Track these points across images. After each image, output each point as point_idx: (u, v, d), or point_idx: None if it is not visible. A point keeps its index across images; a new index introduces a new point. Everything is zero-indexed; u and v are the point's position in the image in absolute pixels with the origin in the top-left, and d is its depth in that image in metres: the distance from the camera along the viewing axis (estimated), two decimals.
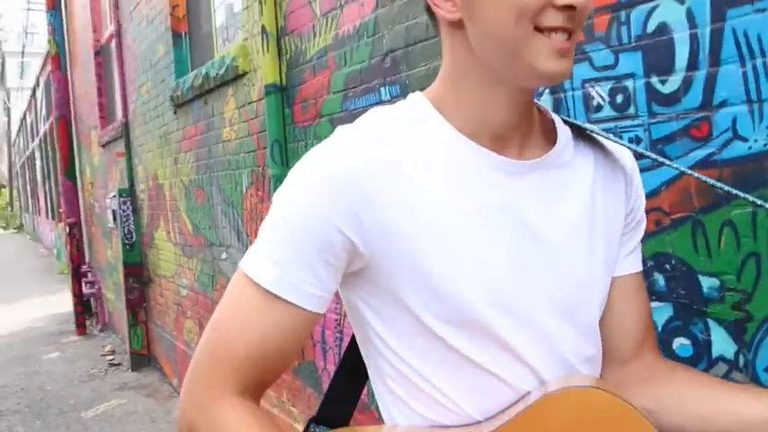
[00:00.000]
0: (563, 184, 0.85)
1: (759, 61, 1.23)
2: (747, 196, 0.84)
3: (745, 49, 1.25)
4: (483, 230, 0.80)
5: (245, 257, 0.80)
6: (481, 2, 0.77)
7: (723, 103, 1.29)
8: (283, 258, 0.77)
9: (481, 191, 0.80)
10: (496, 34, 0.77)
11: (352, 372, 0.92)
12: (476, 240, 0.79)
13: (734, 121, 1.27)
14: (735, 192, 0.85)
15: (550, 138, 0.87)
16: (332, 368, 2.76)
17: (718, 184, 0.87)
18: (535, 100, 0.88)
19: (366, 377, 0.90)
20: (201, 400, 0.79)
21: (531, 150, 0.85)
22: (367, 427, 1.02)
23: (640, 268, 0.95)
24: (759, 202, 0.83)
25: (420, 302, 0.79)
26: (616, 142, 0.91)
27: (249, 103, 3.30)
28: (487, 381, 0.80)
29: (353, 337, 0.90)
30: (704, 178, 0.88)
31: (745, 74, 1.25)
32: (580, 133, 0.91)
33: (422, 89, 0.86)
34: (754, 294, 1.27)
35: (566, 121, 0.91)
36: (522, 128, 0.84)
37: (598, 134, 0.91)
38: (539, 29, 0.75)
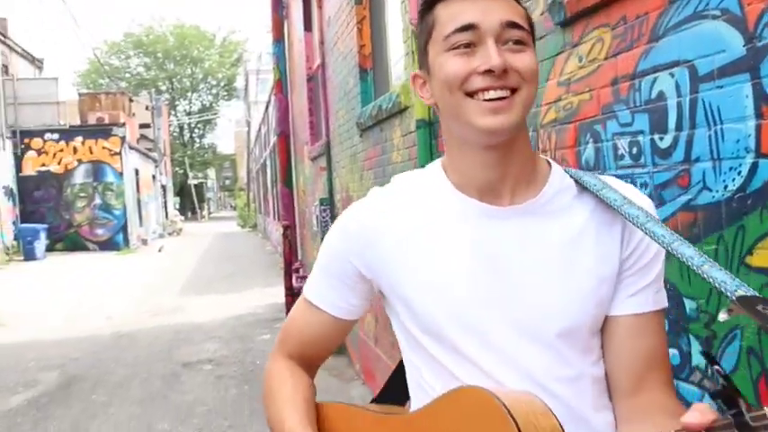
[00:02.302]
0: (544, 226, 0.98)
1: (719, 127, 1.56)
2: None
3: (710, 117, 1.58)
4: (453, 263, 0.98)
5: None
6: (432, 84, 0.99)
7: (697, 159, 1.62)
8: (318, 278, 1.12)
9: (457, 231, 0.98)
10: (443, 105, 0.98)
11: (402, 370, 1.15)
12: (445, 271, 0.98)
13: (703, 174, 1.61)
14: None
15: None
16: None
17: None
18: (546, 157, 1.06)
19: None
20: (272, 356, 1.22)
21: (521, 197, 0.99)
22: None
23: (646, 309, 0.99)
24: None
25: (406, 318, 1.03)
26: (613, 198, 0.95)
27: (409, 133, 3.90)
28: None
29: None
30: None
31: (710, 136, 1.58)
32: (584, 185, 1.01)
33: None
34: (717, 316, 1.56)
35: (572, 175, 1.02)
36: (508, 180, 0.98)
37: (597, 188, 0.98)
38: (469, 93, 0.92)
